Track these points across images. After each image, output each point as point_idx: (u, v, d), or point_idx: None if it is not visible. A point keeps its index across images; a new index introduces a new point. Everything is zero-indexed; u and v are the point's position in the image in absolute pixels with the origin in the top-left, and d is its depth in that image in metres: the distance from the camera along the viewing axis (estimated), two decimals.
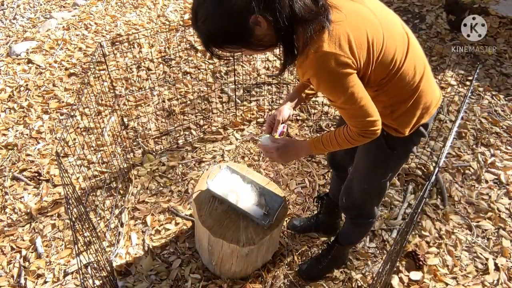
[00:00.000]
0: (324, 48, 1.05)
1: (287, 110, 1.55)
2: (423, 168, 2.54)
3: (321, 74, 1.10)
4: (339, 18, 1.07)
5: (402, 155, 1.45)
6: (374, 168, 1.48)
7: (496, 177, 2.50)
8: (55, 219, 2.27)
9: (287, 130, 1.60)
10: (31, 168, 2.55)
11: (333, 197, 1.99)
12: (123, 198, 2.38)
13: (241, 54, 1.12)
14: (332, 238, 2.15)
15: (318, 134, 2.59)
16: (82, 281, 1.33)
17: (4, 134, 2.80)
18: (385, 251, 2.13)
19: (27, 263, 2.07)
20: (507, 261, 2.09)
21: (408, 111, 1.28)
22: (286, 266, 2.06)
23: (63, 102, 3.02)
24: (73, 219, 1.36)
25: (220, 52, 1.11)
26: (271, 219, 1.75)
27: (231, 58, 2.77)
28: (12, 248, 2.15)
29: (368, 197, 1.61)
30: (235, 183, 1.88)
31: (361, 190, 1.58)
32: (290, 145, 1.42)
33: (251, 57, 3.39)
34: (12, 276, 2.03)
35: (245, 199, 1.81)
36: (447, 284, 1.99)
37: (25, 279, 2.00)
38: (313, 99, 3.03)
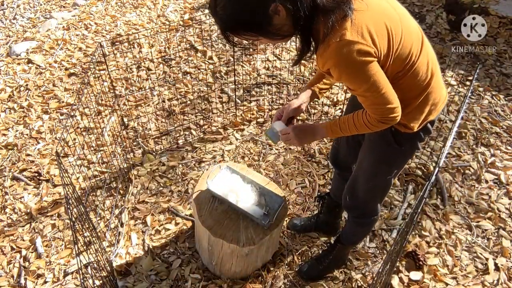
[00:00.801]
0: (347, 36, 1.04)
1: (298, 103, 1.54)
2: (423, 168, 2.53)
3: (343, 63, 1.09)
4: (361, 7, 1.07)
5: (409, 151, 1.45)
6: (379, 165, 1.48)
7: (496, 177, 2.50)
8: (55, 219, 2.27)
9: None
10: (31, 168, 2.55)
11: (334, 196, 1.99)
12: (123, 198, 2.38)
13: (257, 43, 1.15)
14: (333, 239, 2.15)
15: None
16: (82, 281, 1.33)
17: (4, 134, 2.80)
18: (385, 251, 2.13)
19: (27, 263, 2.07)
20: (507, 261, 2.09)
21: (418, 107, 1.29)
22: (286, 266, 2.06)
23: (63, 102, 3.02)
24: (73, 219, 1.36)
25: (236, 39, 1.11)
26: (271, 219, 1.75)
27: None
28: (12, 248, 2.15)
29: (372, 194, 1.61)
30: (235, 183, 1.87)
31: (365, 188, 1.58)
32: (306, 127, 1.43)
33: (251, 57, 3.39)
34: (12, 276, 2.03)
35: (245, 199, 1.81)
36: (447, 284, 1.99)
37: (25, 279, 2.00)
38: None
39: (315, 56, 1.17)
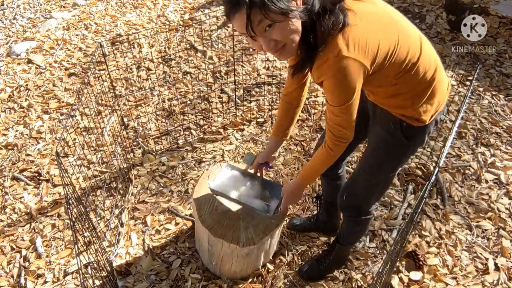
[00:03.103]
0: (344, 52, 1.09)
1: (265, 154, 1.74)
2: (423, 168, 2.53)
3: (338, 77, 1.14)
4: (355, 21, 1.11)
5: (414, 146, 1.48)
6: (385, 161, 1.50)
7: (496, 177, 2.50)
8: (55, 219, 2.27)
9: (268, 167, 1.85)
10: (31, 168, 2.55)
11: (327, 198, 2.00)
12: (123, 198, 2.38)
13: (256, 43, 1.17)
14: (332, 239, 2.16)
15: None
16: (82, 281, 1.33)
17: (4, 134, 2.80)
18: (385, 251, 2.13)
19: (27, 263, 2.07)
20: (507, 261, 2.09)
21: (427, 100, 1.33)
22: (286, 266, 2.06)
23: (63, 102, 3.02)
24: (73, 219, 1.36)
25: (260, 19, 1.07)
26: (276, 210, 1.74)
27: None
28: (12, 248, 2.15)
29: (372, 192, 1.61)
30: (236, 179, 1.86)
31: (367, 185, 1.58)
32: (293, 188, 1.59)
33: (251, 57, 3.39)
34: (12, 276, 2.03)
35: (247, 193, 1.80)
36: (447, 284, 1.99)
37: (25, 279, 2.00)
38: (313, 99, 3.03)
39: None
